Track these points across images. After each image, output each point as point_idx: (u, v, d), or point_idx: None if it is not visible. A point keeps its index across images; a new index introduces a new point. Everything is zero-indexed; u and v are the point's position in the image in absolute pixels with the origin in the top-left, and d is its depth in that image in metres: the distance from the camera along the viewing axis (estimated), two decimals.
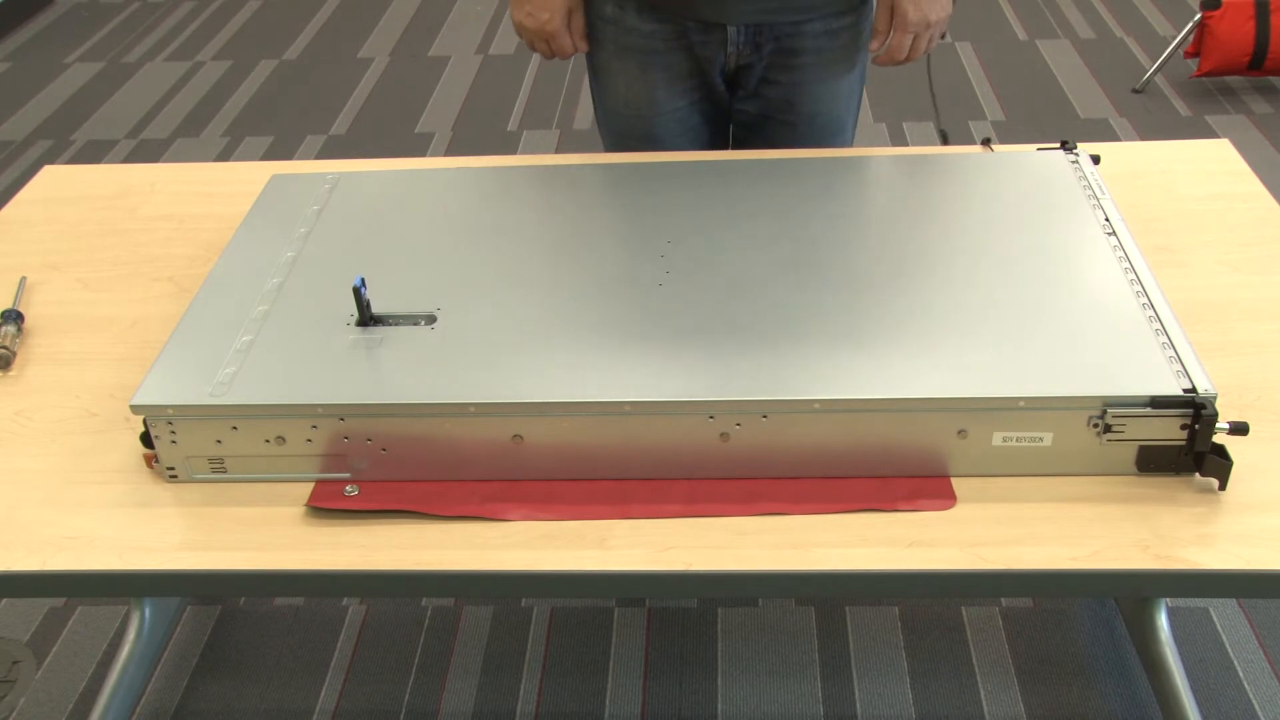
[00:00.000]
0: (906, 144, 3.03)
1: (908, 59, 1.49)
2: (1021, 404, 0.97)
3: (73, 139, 3.53)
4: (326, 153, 3.32)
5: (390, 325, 1.09)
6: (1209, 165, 1.46)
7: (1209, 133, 3.18)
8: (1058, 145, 1.35)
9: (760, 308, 1.08)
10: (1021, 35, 3.79)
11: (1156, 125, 3.24)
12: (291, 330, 1.09)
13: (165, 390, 1.03)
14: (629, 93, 1.58)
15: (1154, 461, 1.00)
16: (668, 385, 0.99)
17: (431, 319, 1.10)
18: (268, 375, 1.04)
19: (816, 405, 0.98)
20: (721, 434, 1.00)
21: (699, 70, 1.55)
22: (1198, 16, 3.26)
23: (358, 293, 1.08)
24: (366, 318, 1.10)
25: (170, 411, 1.01)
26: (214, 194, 1.51)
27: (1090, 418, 0.98)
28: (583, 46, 1.53)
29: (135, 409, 1.02)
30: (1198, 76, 3.36)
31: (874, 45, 1.48)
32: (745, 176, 1.31)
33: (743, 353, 1.03)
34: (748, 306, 1.09)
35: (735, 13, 1.47)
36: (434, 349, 1.06)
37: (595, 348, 1.05)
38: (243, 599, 1.93)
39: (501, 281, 1.15)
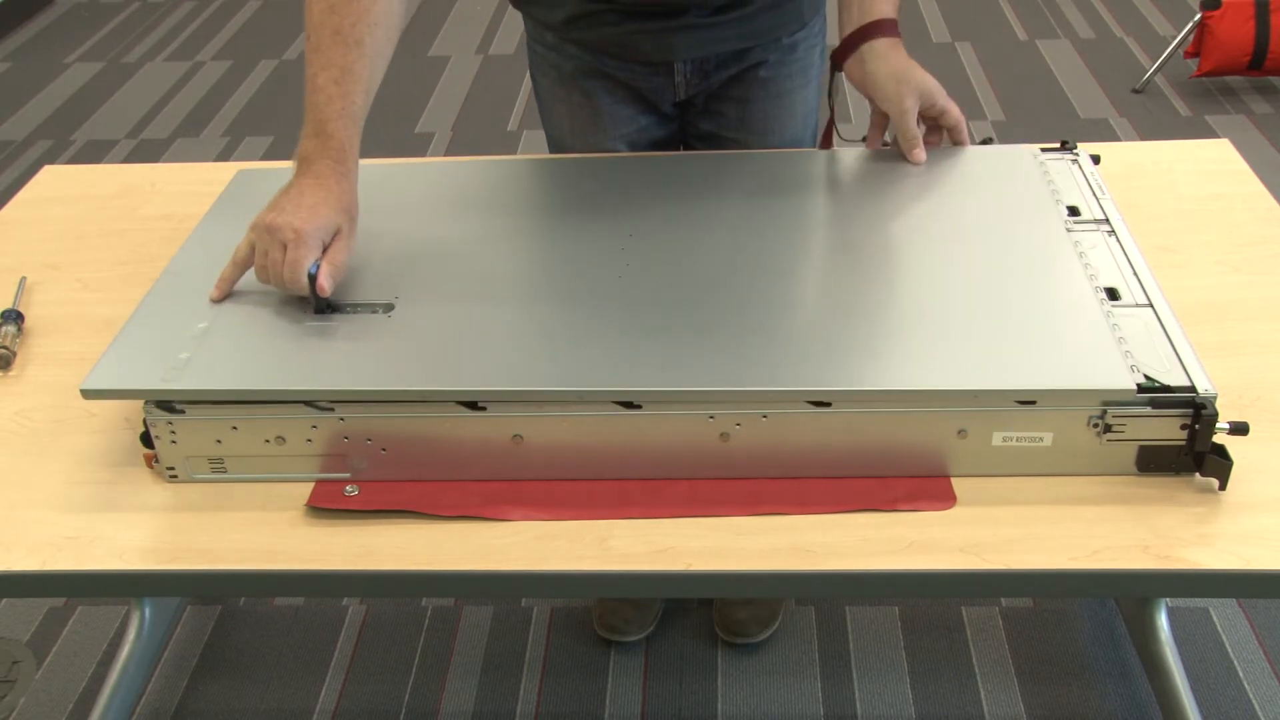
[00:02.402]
0: None
1: (937, 131, 1.32)
2: (1018, 397, 0.97)
3: (73, 139, 3.53)
4: None
5: (347, 314, 1.09)
6: (1209, 165, 1.46)
7: (1209, 133, 3.18)
8: (1058, 145, 1.35)
9: (740, 301, 1.08)
10: (1021, 35, 3.79)
11: (1156, 125, 3.24)
12: (248, 318, 1.09)
13: (117, 375, 1.02)
14: (574, 121, 1.51)
15: (1154, 461, 1.00)
16: (622, 374, 0.99)
17: (389, 308, 1.09)
18: (221, 362, 1.03)
19: (806, 397, 0.98)
20: (721, 434, 1.00)
21: (645, 98, 1.48)
22: (1198, 16, 3.26)
23: (313, 280, 1.07)
24: (323, 306, 1.09)
25: (122, 395, 1.01)
26: (214, 194, 1.50)
27: (1090, 418, 0.98)
28: (330, 287, 1.08)
29: (86, 393, 1.01)
30: (1198, 76, 3.36)
31: (919, 154, 1.30)
32: (724, 173, 1.30)
33: (703, 346, 1.02)
34: (725, 300, 1.08)
35: (679, 49, 1.41)
36: (390, 337, 1.05)
37: (552, 337, 1.04)
38: (243, 599, 1.93)
39: (460, 273, 1.14)
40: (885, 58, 1.29)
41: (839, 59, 1.33)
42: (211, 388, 1.01)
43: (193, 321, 1.09)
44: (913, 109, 1.28)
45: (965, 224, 1.19)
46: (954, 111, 1.31)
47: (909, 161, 1.30)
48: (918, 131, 1.30)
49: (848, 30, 1.31)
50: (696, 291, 1.09)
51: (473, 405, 1.00)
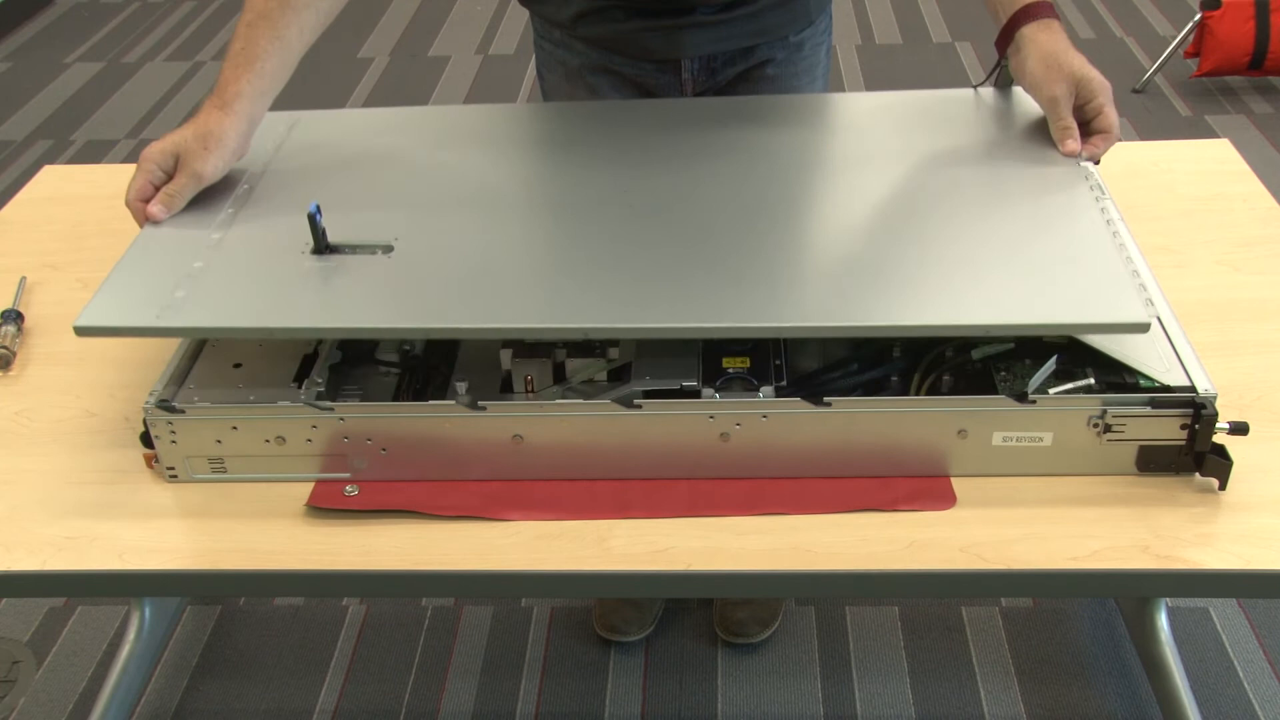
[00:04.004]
0: None
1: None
2: (1030, 332, 0.96)
3: (73, 139, 3.53)
4: None
5: (345, 254, 1.07)
6: (1209, 165, 1.46)
7: (1209, 133, 3.18)
8: None
9: (743, 241, 1.06)
10: None
11: (1156, 125, 3.23)
12: (244, 257, 1.07)
13: (111, 312, 1.00)
14: None
15: (1154, 461, 1.00)
16: (621, 312, 0.97)
17: (389, 248, 1.07)
18: (219, 299, 1.01)
19: (804, 330, 0.96)
20: (721, 434, 1.00)
21: (652, 95, 1.48)
22: (1198, 16, 3.26)
23: (313, 219, 1.05)
24: (322, 245, 1.07)
25: (116, 333, 0.99)
26: None
27: (1090, 417, 0.98)
28: (157, 213, 1.12)
29: (80, 330, 0.99)
30: (1198, 76, 3.36)
31: (1072, 146, 1.16)
32: (730, 116, 1.28)
33: (706, 284, 1.00)
34: (728, 240, 1.06)
35: (686, 46, 1.41)
36: (390, 276, 1.04)
37: (555, 276, 1.03)
38: (243, 599, 1.93)
39: (458, 215, 1.12)
40: (1035, 41, 1.18)
41: (1001, 51, 1.25)
42: (207, 325, 0.99)
43: (188, 260, 1.06)
44: (1064, 97, 1.16)
45: (976, 164, 1.16)
46: (1111, 116, 1.16)
47: (1061, 152, 1.16)
48: (1072, 121, 1.16)
49: (1002, 20, 1.23)
50: (700, 232, 1.07)
51: (473, 405, 1.00)
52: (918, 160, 1.18)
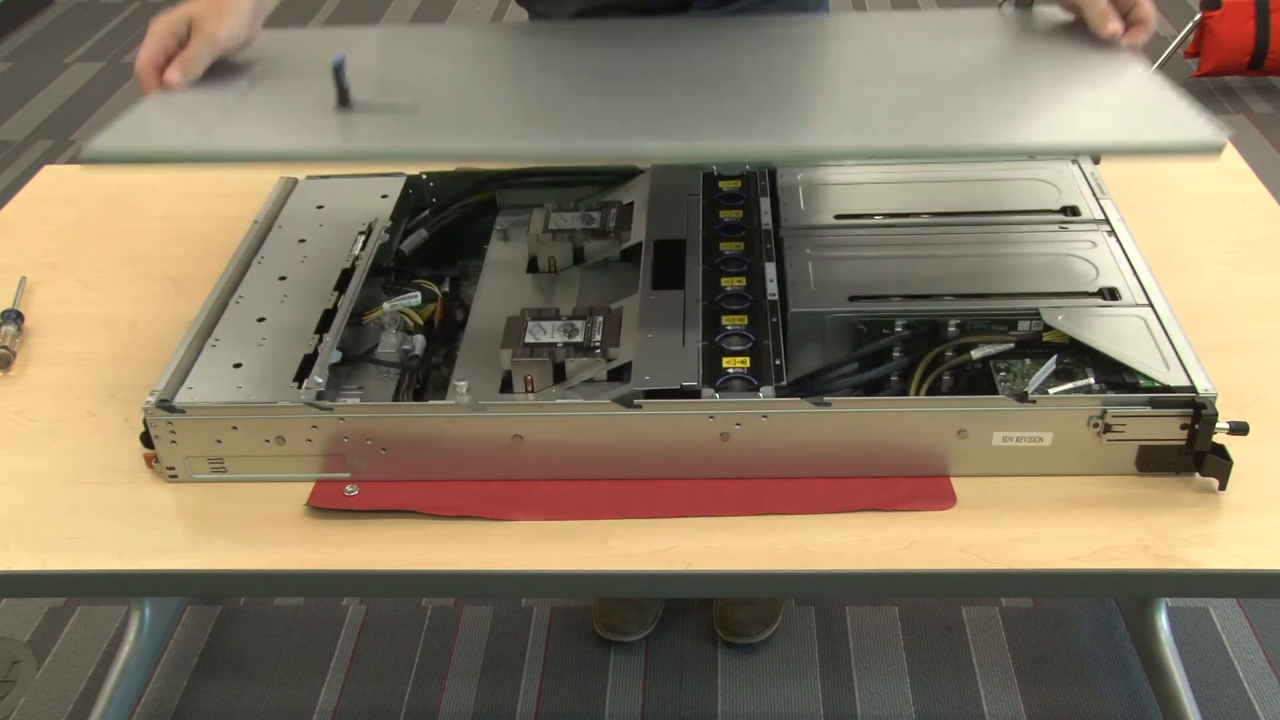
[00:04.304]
0: None
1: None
2: (1073, 147, 0.98)
3: (73, 139, 3.53)
4: None
5: (372, 112, 1.02)
6: (1209, 165, 1.46)
7: None
8: None
9: (769, 87, 1.05)
10: None
11: None
12: (265, 109, 1.03)
13: (127, 140, 0.97)
14: None
15: (1154, 461, 1.00)
16: (658, 135, 0.95)
17: (415, 106, 1.03)
18: (240, 133, 0.98)
19: (860, 150, 0.97)
20: (721, 434, 1.00)
21: None
22: (1198, 16, 3.26)
23: (337, 71, 1.00)
24: (346, 99, 1.02)
25: (131, 159, 0.96)
26: (214, 194, 1.51)
27: (1090, 417, 0.98)
28: (174, 78, 1.05)
29: (89, 157, 0.95)
30: (1198, 76, 3.36)
31: (1113, 26, 1.09)
32: (745, 25, 1.25)
33: (747, 109, 0.99)
34: (757, 87, 1.04)
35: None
36: (419, 122, 1.00)
37: (589, 118, 1.01)
38: (243, 599, 1.93)
39: (486, 84, 1.10)
40: None
41: None
42: (230, 149, 0.96)
43: (204, 113, 1.01)
44: None
45: (1014, 43, 1.14)
46: (1146, 6, 1.10)
47: (1102, 39, 1.10)
48: (1108, 5, 1.09)
49: None
50: (735, 82, 1.05)
51: (473, 405, 1.00)
52: (955, 39, 1.15)
